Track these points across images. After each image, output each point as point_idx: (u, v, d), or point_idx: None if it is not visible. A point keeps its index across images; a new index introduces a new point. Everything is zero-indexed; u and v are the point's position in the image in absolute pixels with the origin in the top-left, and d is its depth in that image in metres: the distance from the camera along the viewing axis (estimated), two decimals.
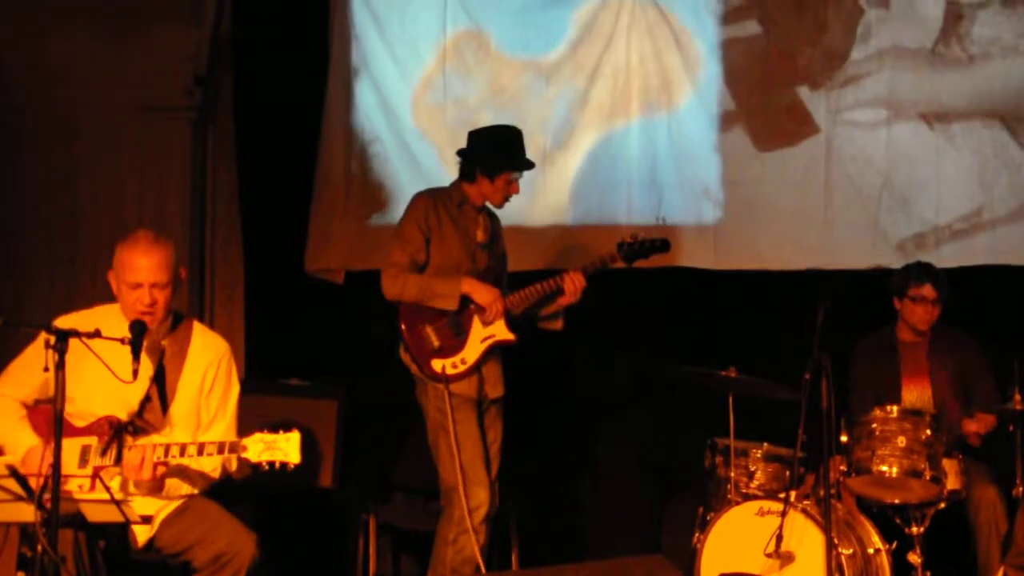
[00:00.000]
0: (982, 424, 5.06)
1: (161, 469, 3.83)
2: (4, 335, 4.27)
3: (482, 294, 4.81)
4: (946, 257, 5.75)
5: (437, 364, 4.77)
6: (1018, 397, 4.72)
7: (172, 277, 4.02)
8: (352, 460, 5.23)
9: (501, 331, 4.85)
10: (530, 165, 5.04)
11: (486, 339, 4.84)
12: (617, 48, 6.12)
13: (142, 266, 3.94)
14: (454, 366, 4.78)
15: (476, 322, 4.83)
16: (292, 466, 3.77)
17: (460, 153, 5.05)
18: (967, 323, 5.37)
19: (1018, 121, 5.88)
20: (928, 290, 5.25)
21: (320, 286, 6.15)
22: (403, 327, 4.81)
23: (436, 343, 4.79)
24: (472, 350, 4.82)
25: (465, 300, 4.80)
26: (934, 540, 4.92)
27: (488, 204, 5.01)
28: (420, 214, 4.90)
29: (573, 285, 4.85)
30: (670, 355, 5.77)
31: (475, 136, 5.09)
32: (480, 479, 4.72)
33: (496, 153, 4.93)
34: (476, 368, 4.83)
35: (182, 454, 3.81)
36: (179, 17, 6.13)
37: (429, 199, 4.97)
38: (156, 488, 3.91)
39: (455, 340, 4.81)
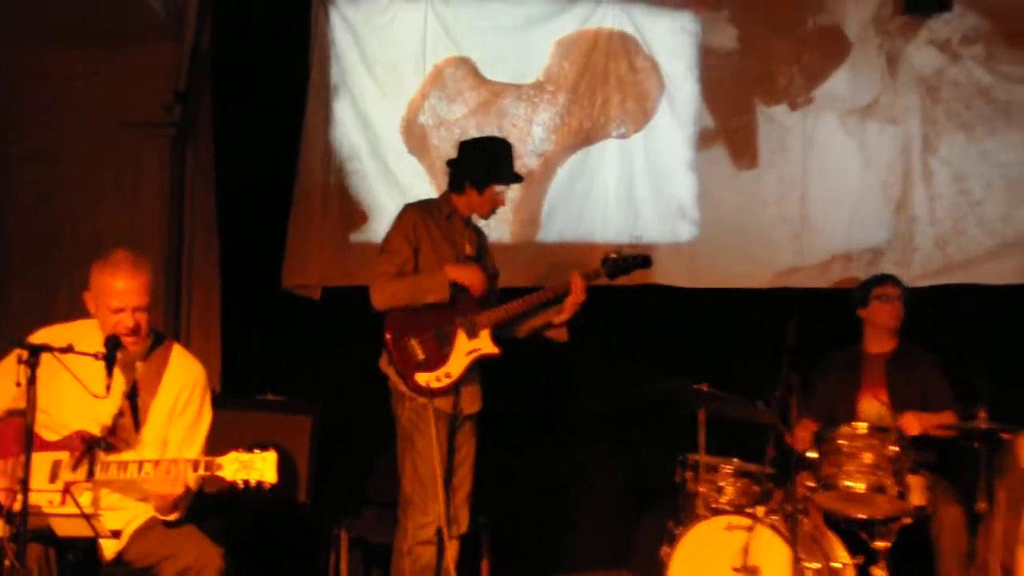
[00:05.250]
0: (918, 425, 5.13)
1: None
2: None
3: (467, 274, 4.85)
4: (916, 277, 5.86)
5: (422, 378, 4.79)
6: (982, 415, 4.79)
7: (152, 299, 4.04)
8: (325, 475, 5.25)
9: (486, 345, 4.88)
10: (518, 178, 5.09)
11: (471, 352, 4.86)
12: (594, 70, 6.22)
13: (123, 290, 3.95)
14: (438, 380, 4.81)
15: (461, 335, 4.86)
16: (268, 486, 3.80)
17: (450, 164, 5.10)
18: (932, 341, 5.45)
19: None
20: (891, 288, 5.40)
21: (297, 302, 6.19)
22: (388, 337, 4.81)
23: (421, 356, 4.81)
24: (457, 363, 4.84)
25: (454, 290, 4.83)
26: (899, 555, 4.97)
27: (474, 218, 5.07)
28: (408, 225, 4.94)
29: (577, 285, 4.91)
30: (645, 371, 5.78)
31: (465, 147, 5.13)
32: (435, 495, 4.74)
33: (485, 165, 4.98)
34: (460, 382, 4.85)
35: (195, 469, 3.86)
36: (159, 33, 6.13)
37: (417, 211, 5.01)
38: (172, 507, 3.94)
39: (440, 353, 4.84)
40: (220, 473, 3.82)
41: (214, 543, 4.00)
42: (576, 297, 4.93)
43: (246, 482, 3.80)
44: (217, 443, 4.15)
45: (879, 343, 5.47)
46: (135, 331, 3.98)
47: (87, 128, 6.22)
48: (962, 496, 5.02)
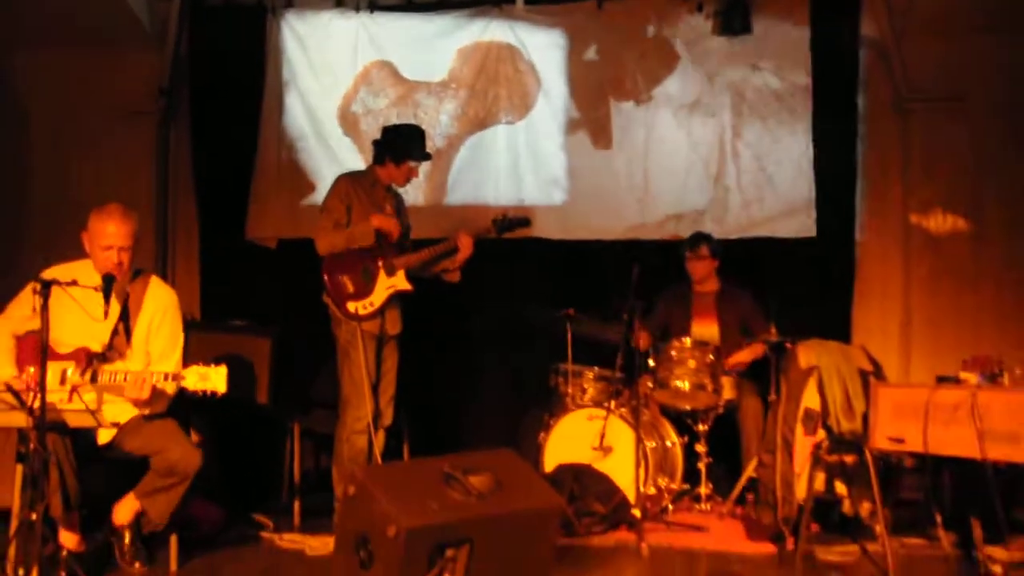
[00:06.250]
0: (749, 354, 5.18)
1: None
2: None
3: (387, 223, 4.76)
4: (729, 231, 5.85)
5: (351, 306, 4.71)
6: (773, 330, 4.87)
7: (135, 241, 3.96)
8: (282, 382, 5.09)
9: (401, 282, 4.79)
10: (427, 157, 4.99)
11: (389, 287, 4.78)
12: (487, 72, 6.11)
13: (113, 233, 3.88)
14: (364, 308, 4.72)
15: (382, 274, 4.77)
16: (220, 394, 3.69)
17: (374, 143, 4.99)
18: (742, 278, 5.49)
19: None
20: (702, 250, 5.41)
21: (258, 250, 6.13)
22: (326, 276, 4.74)
23: (351, 289, 4.72)
24: (378, 295, 4.75)
25: (378, 235, 4.73)
26: (714, 436, 5.08)
27: (393, 185, 4.95)
28: (342, 190, 4.83)
29: (465, 243, 4.85)
30: (530, 301, 5.72)
31: (387, 130, 5.04)
32: (366, 396, 4.69)
33: (402, 145, 4.88)
34: (382, 310, 4.76)
35: (165, 379, 3.75)
36: (147, 41, 6.10)
37: (348, 179, 4.91)
38: (145, 404, 3.82)
39: (366, 288, 4.74)
40: (183, 384, 3.72)
41: (194, 447, 3.90)
42: (464, 252, 4.88)
43: (203, 391, 3.69)
44: (195, 356, 4.03)
45: (704, 284, 5.48)
46: (120, 266, 3.90)
47: (93, 115, 6.24)
48: (760, 390, 5.12)
